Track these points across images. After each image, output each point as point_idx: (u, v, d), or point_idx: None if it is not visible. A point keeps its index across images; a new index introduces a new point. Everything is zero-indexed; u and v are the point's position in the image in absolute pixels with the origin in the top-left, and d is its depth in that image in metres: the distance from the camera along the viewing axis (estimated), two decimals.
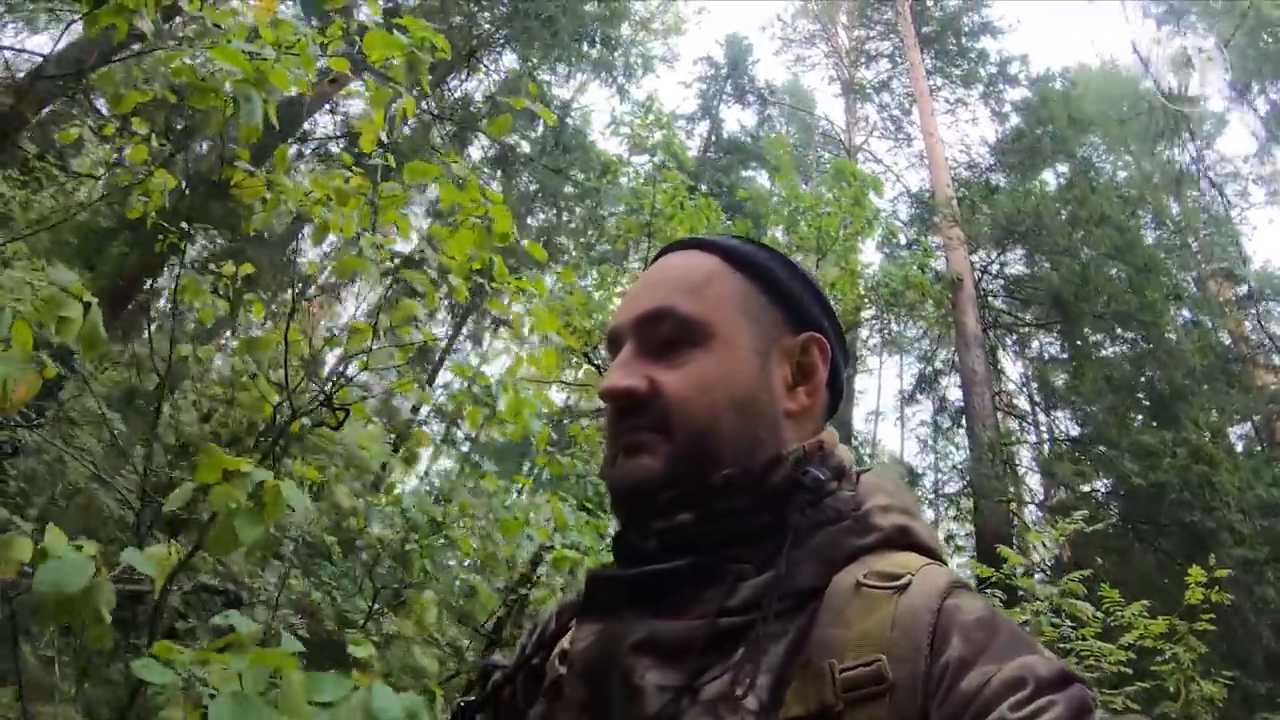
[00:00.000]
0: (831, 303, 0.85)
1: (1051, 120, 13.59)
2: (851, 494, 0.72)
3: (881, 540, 0.68)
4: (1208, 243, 15.40)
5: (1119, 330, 11.30)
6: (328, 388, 2.66)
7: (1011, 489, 10.43)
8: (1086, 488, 10.33)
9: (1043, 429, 12.76)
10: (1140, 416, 10.91)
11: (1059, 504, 10.29)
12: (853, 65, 18.46)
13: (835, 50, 18.63)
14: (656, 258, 0.85)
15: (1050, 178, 14.04)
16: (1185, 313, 13.24)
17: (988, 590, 5.18)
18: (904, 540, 0.69)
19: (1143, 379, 11.13)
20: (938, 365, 13.46)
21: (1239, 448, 12.61)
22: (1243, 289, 14.61)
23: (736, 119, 20.64)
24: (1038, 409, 13.01)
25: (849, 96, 18.39)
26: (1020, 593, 5.17)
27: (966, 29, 16.14)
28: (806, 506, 0.69)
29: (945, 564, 0.69)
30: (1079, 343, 11.47)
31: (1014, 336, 13.17)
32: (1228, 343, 13.75)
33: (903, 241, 12.36)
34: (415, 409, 10.30)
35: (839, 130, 18.62)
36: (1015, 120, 14.47)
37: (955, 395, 12.49)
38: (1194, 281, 14.76)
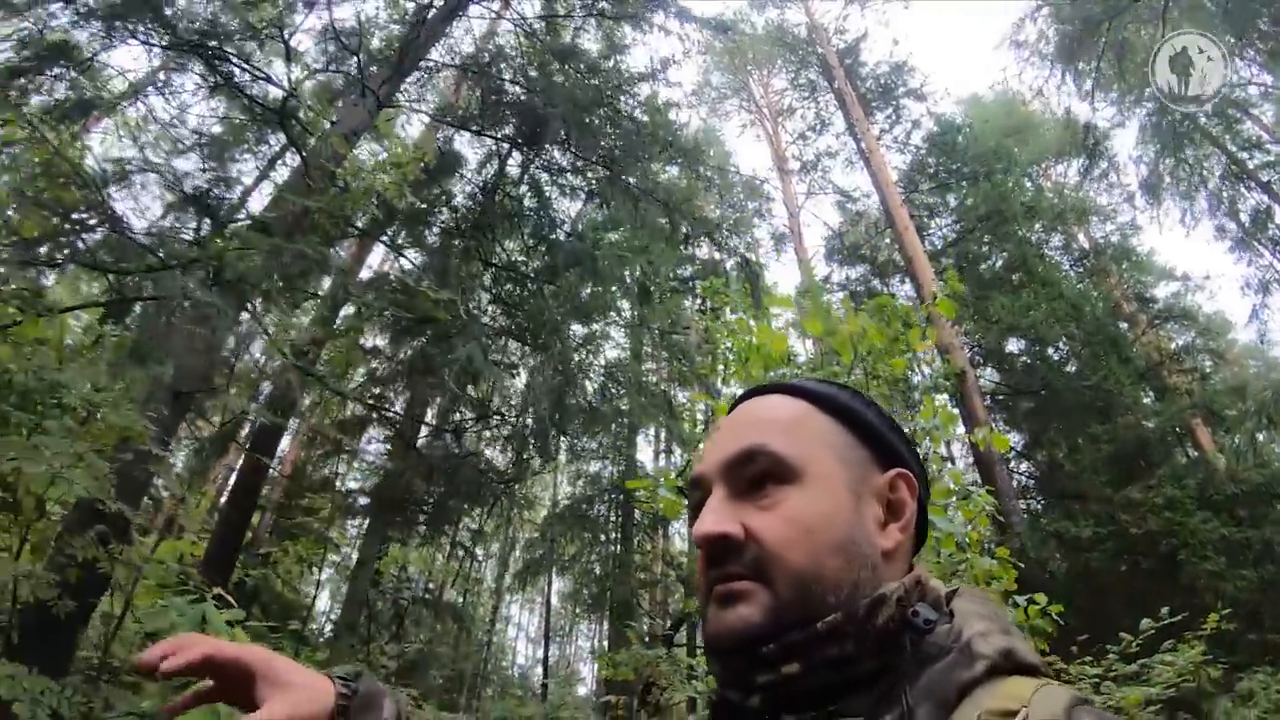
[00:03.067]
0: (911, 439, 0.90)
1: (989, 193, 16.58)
2: (948, 625, 0.74)
3: (988, 669, 0.69)
4: (1115, 263, 19.10)
5: (1086, 389, 14.32)
6: None
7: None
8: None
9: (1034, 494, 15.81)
10: (1111, 471, 14.15)
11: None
12: (775, 119, 20.64)
13: (755, 104, 20.64)
14: (737, 403, 0.90)
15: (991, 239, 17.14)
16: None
17: None
18: (1009, 664, 0.70)
19: (1107, 430, 14.30)
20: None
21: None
22: (1152, 308, 18.41)
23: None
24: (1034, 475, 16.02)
25: (776, 149, 20.59)
26: None
27: (899, 92, 18.59)
28: (913, 646, 0.71)
29: (1052, 680, 0.70)
30: (1059, 414, 14.47)
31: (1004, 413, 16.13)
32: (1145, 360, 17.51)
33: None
34: None
35: (769, 184, 20.68)
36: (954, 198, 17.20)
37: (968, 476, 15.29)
38: (1104, 304, 18.39)
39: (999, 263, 16.44)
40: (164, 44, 8.64)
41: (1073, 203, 19.66)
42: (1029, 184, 19.73)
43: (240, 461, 11.15)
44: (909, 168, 18.29)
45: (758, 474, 0.78)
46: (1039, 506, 14.36)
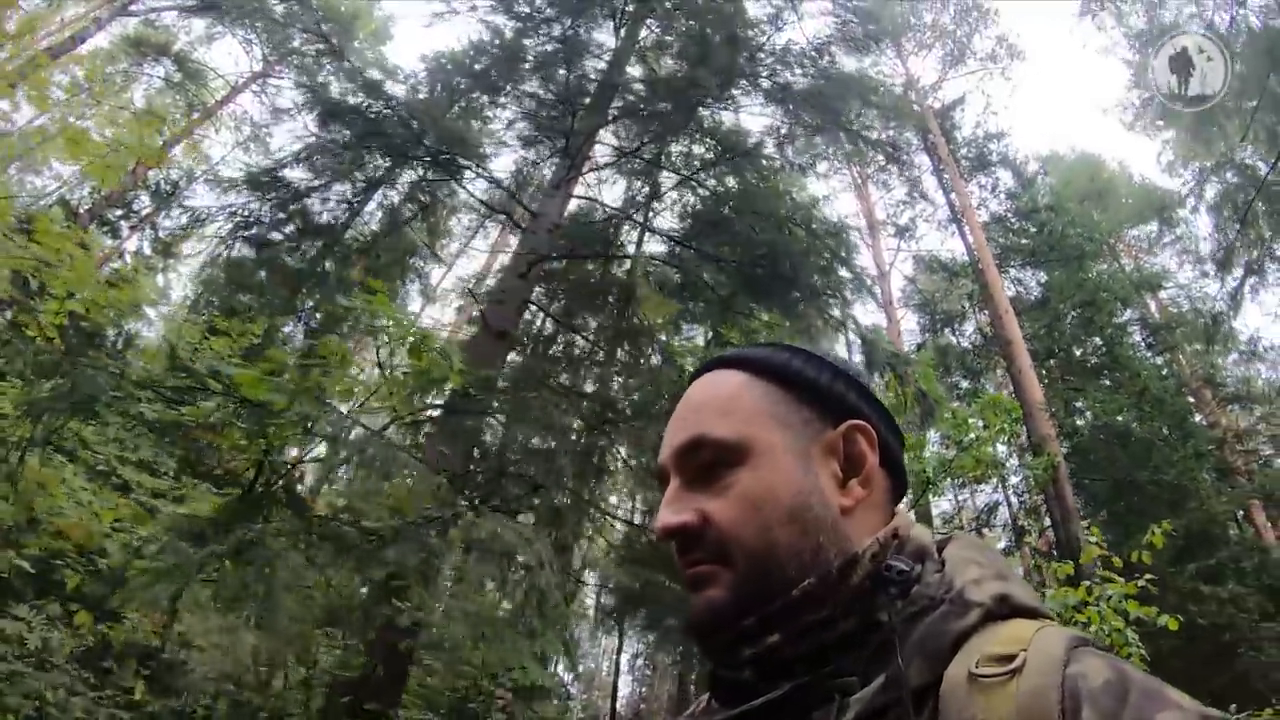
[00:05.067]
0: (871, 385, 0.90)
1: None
2: (939, 574, 0.76)
3: (983, 616, 0.70)
4: (1186, 341, 20.20)
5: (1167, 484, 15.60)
6: None
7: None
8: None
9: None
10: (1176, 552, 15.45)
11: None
12: (863, 169, 21.54)
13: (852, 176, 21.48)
14: (690, 380, 0.93)
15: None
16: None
17: None
18: (1005, 609, 0.72)
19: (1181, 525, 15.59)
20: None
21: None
22: (1221, 390, 19.61)
23: None
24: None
25: (865, 201, 21.64)
26: None
27: (994, 160, 19.57)
28: (896, 600, 0.73)
29: (1053, 621, 0.72)
30: (1138, 506, 15.78)
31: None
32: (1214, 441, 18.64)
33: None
34: None
35: (857, 234, 21.31)
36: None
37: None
38: (1176, 383, 19.42)
39: (1088, 348, 17.65)
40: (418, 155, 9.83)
41: (1149, 276, 20.81)
42: (1109, 256, 20.85)
43: None
44: (1001, 237, 19.33)
45: (705, 460, 0.83)
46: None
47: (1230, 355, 21.06)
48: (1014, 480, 15.65)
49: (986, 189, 19.87)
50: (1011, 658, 0.64)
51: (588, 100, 10.34)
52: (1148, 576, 6.66)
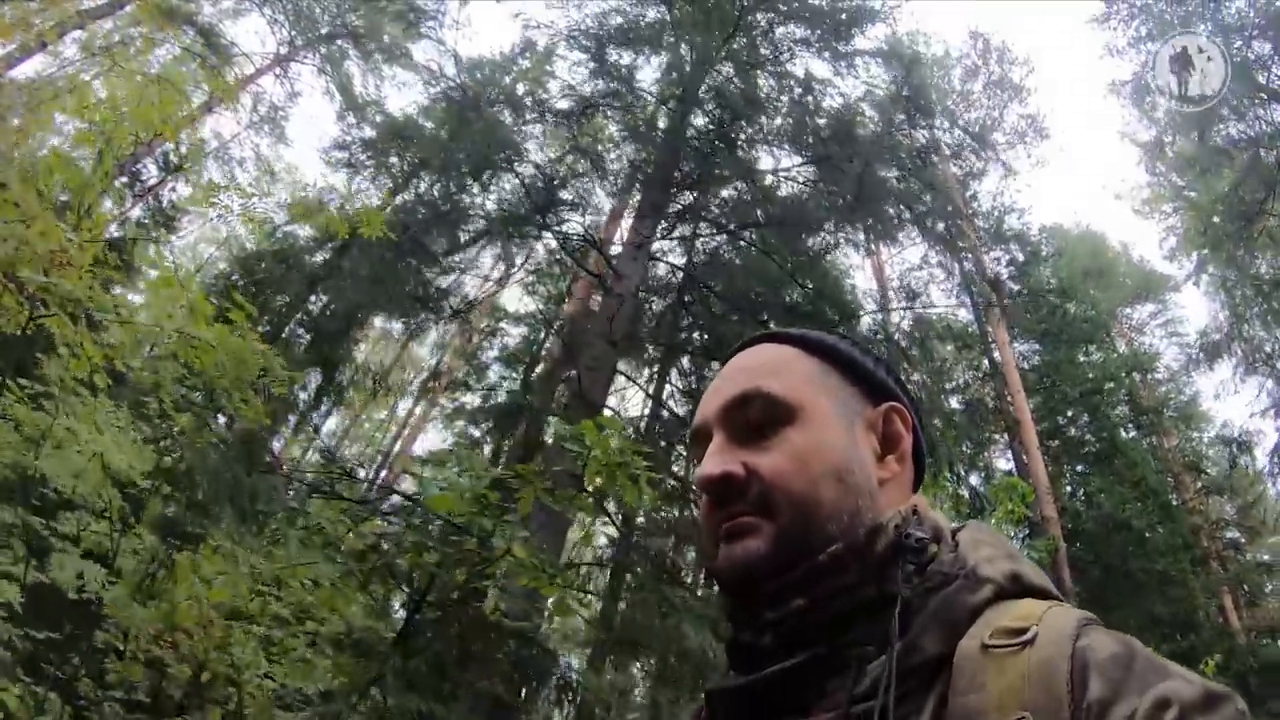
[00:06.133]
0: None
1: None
2: (953, 554, 0.79)
3: (996, 592, 0.74)
4: (1175, 425, 20.87)
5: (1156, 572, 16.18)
6: None
7: None
8: None
9: None
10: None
11: None
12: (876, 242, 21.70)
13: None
14: (730, 356, 0.97)
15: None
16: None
17: None
18: (1017, 587, 0.75)
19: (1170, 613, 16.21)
20: None
21: None
22: (1203, 478, 20.23)
23: None
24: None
25: (882, 291, 21.78)
26: None
27: (1009, 235, 19.85)
28: (913, 573, 0.75)
29: (1063, 602, 0.74)
30: (1130, 590, 16.33)
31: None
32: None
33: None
34: None
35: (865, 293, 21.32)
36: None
37: None
38: (1160, 467, 19.98)
39: (1087, 432, 18.16)
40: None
41: (1142, 359, 21.39)
42: (1108, 339, 21.37)
43: None
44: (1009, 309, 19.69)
45: (755, 415, 0.86)
46: None
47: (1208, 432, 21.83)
48: None
49: (1000, 263, 20.18)
50: (1024, 630, 0.67)
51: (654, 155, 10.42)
52: None
